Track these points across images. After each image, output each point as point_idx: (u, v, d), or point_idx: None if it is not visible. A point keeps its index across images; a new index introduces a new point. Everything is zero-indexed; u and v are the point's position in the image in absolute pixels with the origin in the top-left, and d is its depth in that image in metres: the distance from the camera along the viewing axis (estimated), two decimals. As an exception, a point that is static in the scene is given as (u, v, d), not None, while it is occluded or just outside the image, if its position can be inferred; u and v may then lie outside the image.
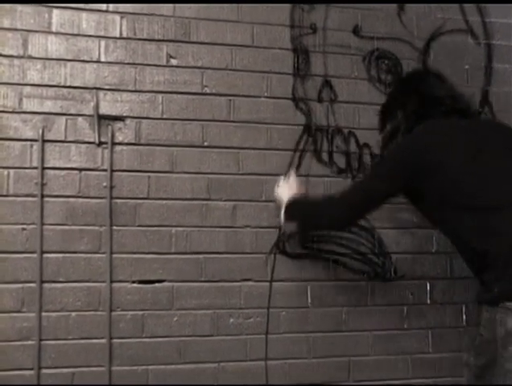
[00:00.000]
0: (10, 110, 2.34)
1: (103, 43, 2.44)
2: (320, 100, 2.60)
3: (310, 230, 2.40)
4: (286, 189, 2.30)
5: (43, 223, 2.33)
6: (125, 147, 2.42)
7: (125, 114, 2.43)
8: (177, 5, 2.50)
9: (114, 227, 2.38)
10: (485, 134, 1.88)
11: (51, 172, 2.36)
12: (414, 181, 1.83)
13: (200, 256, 2.44)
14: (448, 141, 1.82)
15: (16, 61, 2.36)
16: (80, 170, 2.38)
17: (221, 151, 2.49)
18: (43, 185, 2.33)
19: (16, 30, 2.37)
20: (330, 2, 2.64)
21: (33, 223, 2.32)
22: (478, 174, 1.73)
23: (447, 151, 1.79)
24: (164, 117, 2.46)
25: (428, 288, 2.61)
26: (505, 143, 1.85)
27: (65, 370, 2.31)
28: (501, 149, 1.82)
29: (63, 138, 2.38)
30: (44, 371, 2.29)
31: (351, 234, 2.56)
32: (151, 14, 2.48)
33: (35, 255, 2.31)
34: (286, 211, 2.20)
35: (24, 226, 2.32)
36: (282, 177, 2.40)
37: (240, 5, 2.56)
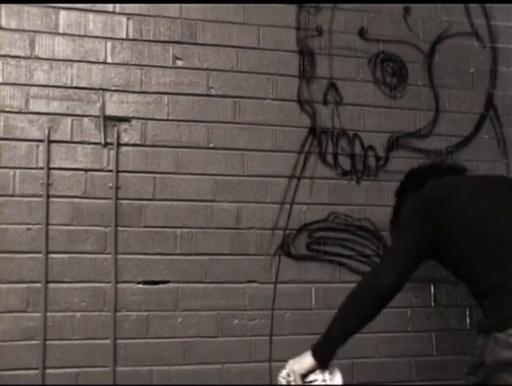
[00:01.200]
0: (17, 110, 2.35)
1: (109, 44, 2.45)
2: (325, 102, 2.61)
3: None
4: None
5: (48, 224, 2.33)
6: (130, 148, 2.43)
7: (131, 115, 2.44)
8: (183, 5, 2.51)
9: (119, 228, 2.39)
10: (483, 183, 2.03)
11: (57, 172, 2.36)
12: (434, 229, 1.89)
13: (205, 257, 2.45)
14: (454, 192, 1.93)
15: (23, 62, 2.37)
16: (86, 170, 2.38)
17: (227, 152, 2.50)
18: (48, 185, 2.34)
19: (23, 31, 2.37)
20: (335, 2, 2.64)
21: (38, 224, 2.32)
22: (485, 217, 1.82)
23: (454, 201, 1.88)
24: (170, 118, 2.47)
25: (432, 290, 2.62)
26: (499, 186, 1.99)
27: (70, 370, 2.31)
28: (498, 191, 1.94)
29: (69, 139, 2.38)
30: (49, 370, 2.29)
31: (356, 236, 2.57)
32: (158, 16, 2.49)
33: (40, 255, 2.31)
34: (320, 353, 1.94)
35: (30, 226, 2.32)
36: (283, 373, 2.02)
37: (246, 5, 2.57)
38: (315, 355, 1.89)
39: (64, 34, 2.41)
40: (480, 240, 1.78)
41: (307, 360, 1.91)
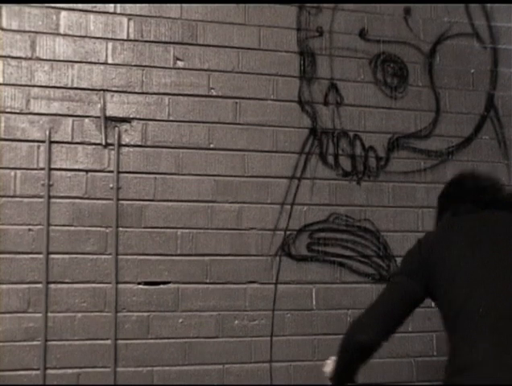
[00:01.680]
0: (18, 111, 2.35)
1: (110, 44, 2.45)
2: (325, 103, 2.61)
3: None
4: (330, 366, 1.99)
5: (49, 224, 2.33)
6: (131, 149, 2.43)
7: (131, 116, 2.44)
8: (184, 6, 2.51)
9: (120, 229, 2.39)
10: (497, 231, 1.75)
11: (58, 173, 2.36)
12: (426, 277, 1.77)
13: (206, 258, 2.45)
14: (447, 243, 1.75)
15: (24, 63, 2.37)
16: (87, 171, 2.39)
17: (227, 153, 2.50)
18: (49, 186, 2.34)
19: (24, 31, 2.38)
20: (336, 2, 2.64)
21: (39, 224, 2.33)
22: (464, 284, 1.65)
23: (443, 253, 1.73)
24: (171, 118, 2.47)
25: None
26: (500, 236, 1.74)
27: (70, 370, 2.31)
28: (495, 248, 1.70)
29: (70, 140, 2.38)
30: (50, 371, 2.29)
31: (356, 237, 2.57)
32: (158, 17, 2.49)
33: (41, 256, 2.31)
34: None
35: (31, 227, 2.32)
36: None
37: (247, 6, 2.57)
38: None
39: (64, 35, 2.41)
40: (453, 310, 1.65)
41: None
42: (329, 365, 1.97)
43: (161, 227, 2.42)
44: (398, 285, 1.80)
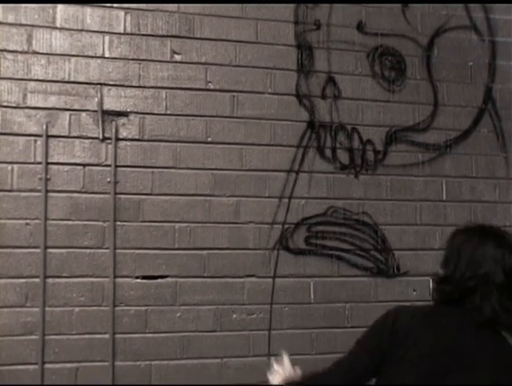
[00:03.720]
0: (15, 105, 2.35)
1: (107, 38, 2.44)
2: (323, 96, 2.60)
3: None
4: (279, 374, 2.15)
5: (46, 219, 2.33)
6: (128, 143, 2.43)
7: (129, 110, 2.43)
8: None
9: (118, 223, 2.39)
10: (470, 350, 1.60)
11: (55, 167, 2.36)
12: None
13: (204, 251, 2.45)
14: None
15: (20, 56, 2.36)
16: (84, 165, 2.38)
17: (225, 147, 2.50)
18: (46, 180, 2.34)
19: (20, 25, 2.37)
20: (334, 2, 2.63)
21: (37, 219, 2.32)
22: None
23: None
24: (168, 112, 2.47)
25: (431, 284, 2.61)
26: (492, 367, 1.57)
27: (68, 365, 2.31)
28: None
29: (67, 134, 2.38)
30: (48, 365, 2.29)
31: (354, 230, 2.57)
32: (155, 10, 2.48)
33: (38, 250, 2.31)
34: None
35: (28, 221, 2.32)
36: (274, 362, 2.09)
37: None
38: None
39: (61, 29, 2.40)
40: None
41: None
42: (276, 375, 2.00)
43: (159, 221, 2.42)
44: (363, 344, 1.71)
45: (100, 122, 2.39)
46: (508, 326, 1.62)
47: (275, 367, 2.15)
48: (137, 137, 2.43)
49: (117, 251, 2.38)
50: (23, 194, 2.33)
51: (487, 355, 1.58)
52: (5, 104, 2.34)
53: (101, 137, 2.39)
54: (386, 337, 1.65)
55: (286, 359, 2.08)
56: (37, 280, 2.31)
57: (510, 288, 1.59)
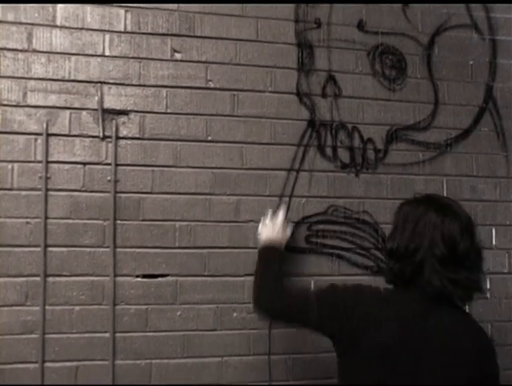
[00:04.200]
0: (15, 104, 2.34)
1: (107, 36, 2.44)
2: (324, 95, 2.60)
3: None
4: (268, 229, 2.32)
5: (47, 217, 2.33)
6: (129, 141, 2.42)
7: (129, 108, 2.43)
8: (181, -2, 2.50)
9: (118, 222, 2.39)
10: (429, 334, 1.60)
11: (56, 166, 2.36)
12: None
13: (204, 250, 2.44)
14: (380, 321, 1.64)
15: (20, 55, 2.36)
16: (85, 164, 2.38)
17: (225, 146, 2.49)
18: (47, 179, 2.34)
19: (20, 23, 2.37)
20: (334, 2, 2.63)
21: (37, 217, 2.32)
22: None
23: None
24: (168, 111, 2.46)
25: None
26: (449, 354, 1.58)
27: (69, 363, 2.31)
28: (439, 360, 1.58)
29: (67, 132, 2.38)
30: (48, 364, 2.29)
31: (355, 229, 2.56)
32: (156, 8, 2.47)
33: (38, 249, 2.31)
34: (258, 253, 2.24)
35: (28, 220, 2.32)
36: (269, 213, 2.43)
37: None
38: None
39: (61, 27, 2.40)
40: None
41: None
42: (264, 228, 2.35)
43: (159, 220, 2.42)
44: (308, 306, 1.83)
45: (100, 121, 2.39)
46: (459, 298, 1.63)
47: (267, 221, 2.28)
48: (137, 135, 2.43)
49: (118, 250, 2.38)
50: (23, 192, 2.32)
51: (450, 332, 1.60)
52: (5, 102, 2.34)
53: (101, 135, 2.39)
54: (345, 321, 1.70)
55: (280, 217, 2.36)
56: (37, 278, 2.30)
57: (452, 258, 1.58)
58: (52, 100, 2.37)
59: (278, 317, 2.00)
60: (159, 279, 2.40)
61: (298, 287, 1.96)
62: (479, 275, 1.63)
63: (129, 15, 2.46)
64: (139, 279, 2.39)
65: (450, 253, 1.58)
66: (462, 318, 1.67)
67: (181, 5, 2.49)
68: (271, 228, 2.32)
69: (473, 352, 1.59)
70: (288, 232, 2.40)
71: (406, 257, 1.64)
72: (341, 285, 1.80)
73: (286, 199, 2.52)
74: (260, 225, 2.40)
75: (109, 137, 2.40)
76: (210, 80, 2.51)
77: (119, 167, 2.40)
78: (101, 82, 2.42)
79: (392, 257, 1.71)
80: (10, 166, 2.32)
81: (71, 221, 2.35)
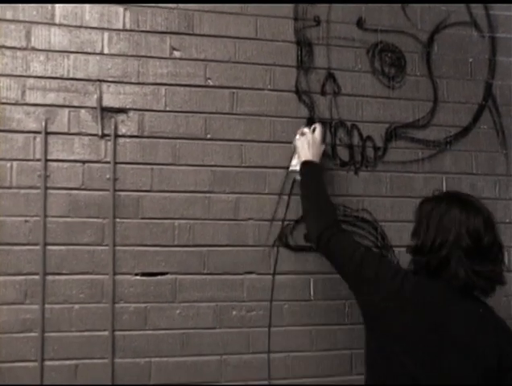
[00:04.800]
0: (13, 102, 2.34)
1: (106, 35, 2.43)
2: (323, 92, 2.60)
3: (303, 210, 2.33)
4: (306, 144, 2.35)
5: (46, 216, 2.33)
6: (128, 139, 2.42)
7: (128, 106, 2.43)
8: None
9: (117, 220, 2.38)
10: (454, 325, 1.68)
11: (54, 164, 2.35)
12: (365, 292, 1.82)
13: (203, 248, 2.44)
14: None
15: (19, 53, 2.36)
16: (83, 162, 2.38)
17: (224, 144, 2.49)
18: (46, 177, 2.33)
19: (19, 21, 2.36)
20: (333, 2, 2.63)
21: (36, 216, 2.32)
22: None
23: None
24: (167, 109, 2.46)
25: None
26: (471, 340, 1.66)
27: (68, 362, 2.31)
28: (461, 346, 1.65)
29: (66, 130, 2.37)
30: (47, 362, 2.29)
31: (354, 227, 2.56)
32: (155, 6, 2.47)
33: (38, 247, 2.31)
34: (301, 173, 2.30)
35: (27, 218, 2.32)
36: (306, 127, 2.46)
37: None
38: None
39: (60, 25, 2.40)
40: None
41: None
42: (302, 138, 2.41)
43: (158, 218, 2.42)
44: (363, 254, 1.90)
45: (99, 119, 2.39)
46: (482, 290, 1.70)
47: (306, 130, 2.42)
48: (136, 133, 2.43)
49: (117, 248, 2.38)
50: (22, 191, 2.32)
51: (472, 322, 1.67)
52: (4, 100, 2.33)
53: (100, 133, 2.39)
54: (375, 291, 1.76)
55: (319, 132, 2.41)
56: (36, 277, 2.30)
57: (477, 250, 1.65)
58: (51, 98, 2.37)
59: (324, 251, 2.08)
60: (159, 277, 2.40)
61: (349, 237, 2.09)
62: (501, 267, 1.70)
63: (128, 13, 2.45)
64: (138, 277, 2.39)
65: (475, 245, 1.65)
66: (484, 310, 1.74)
67: (180, 3, 2.49)
68: (309, 145, 2.34)
69: (494, 345, 1.66)
70: (323, 147, 2.42)
71: (433, 252, 1.70)
72: (387, 261, 2.00)
73: (285, 197, 2.51)
74: (297, 136, 2.43)
75: (108, 135, 2.39)
76: (209, 78, 2.51)
77: (118, 165, 2.40)
78: (99, 80, 2.41)
79: (418, 253, 1.78)
80: (8, 164, 2.32)
81: (70, 219, 2.35)
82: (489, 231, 1.69)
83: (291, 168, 2.47)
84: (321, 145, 2.38)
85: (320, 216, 2.11)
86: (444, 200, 1.79)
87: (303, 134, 2.40)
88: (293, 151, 2.47)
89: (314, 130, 2.40)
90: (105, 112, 2.41)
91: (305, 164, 2.28)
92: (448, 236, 1.68)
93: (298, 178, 2.37)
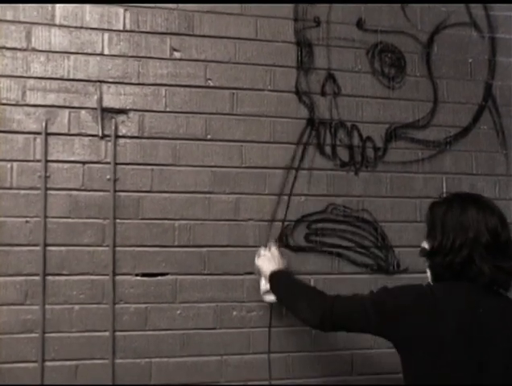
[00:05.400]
0: (14, 103, 2.34)
1: (106, 35, 2.44)
2: (323, 93, 2.60)
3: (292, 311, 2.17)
4: (266, 261, 2.32)
5: (46, 216, 2.33)
6: (128, 140, 2.42)
7: (128, 107, 2.43)
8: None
9: (117, 220, 2.39)
10: (486, 321, 1.67)
11: (55, 165, 2.36)
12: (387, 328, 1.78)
13: (203, 249, 2.44)
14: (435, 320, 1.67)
15: (19, 54, 2.36)
16: (84, 163, 2.38)
17: (224, 144, 2.49)
18: (46, 178, 2.34)
19: (19, 22, 2.36)
20: (331, 3, 2.63)
21: (36, 216, 2.32)
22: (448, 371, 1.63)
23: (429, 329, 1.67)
24: (167, 109, 2.46)
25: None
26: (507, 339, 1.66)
27: (68, 362, 2.31)
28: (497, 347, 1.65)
29: (66, 131, 2.37)
30: (48, 363, 2.29)
31: (354, 228, 2.56)
32: (155, 7, 2.47)
33: (38, 248, 2.31)
34: (271, 285, 2.21)
35: (28, 219, 2.32)
36: (262, 248, 2.42)
37: (244, -3, 2.56)
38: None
39: (60, 26, 2.40)
40: None
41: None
42: (262, 258, 2.36)
43: (158, 219, 2.42)
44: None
45: (99, 120, 2.39)
46: (503, 285, 1.71)
47: (262, 251, 2.37)
48: (136, 134, 2.43)
49: (117, 248, 2.38)
50: (23, 191, 2.32)
51: (504, 317, 1.68)
52: (4, 101, 2.33)
53: (100, 134, 2.39)
54: (403, 324, 1.70)
55: (274, 247, 2.39)
56: (37, 278, 2.30)
57: (496, 247, 1.67)
58: (51, 99, 2.37)
59: (336, 328, 1.96)
60: (159, 278, 2.40)
61: (347, 295, 1.93)
62: None
63: (128, 14, 2.46)
64: (139, 278, 2.39)
65: (494, 242, 1.67)
66: (509, 302, 1.74)
67: (180, 3, 2.49)
68: (269, 259, 2.31)
69: None
70: (285, 258, 2.39)
71: (454, 251, 1.70)
72: (396, 289, 1.81)
73: (285, 197, 2.52)
74: (256, 258, 2.39)
75: (109, 136, 2.40)
76: (209, 79, 2.51)
77: (118, 166, 2.40)
78: (100, 81, 2.42)
79: (436, 255, 1.76)
80: (9, 165, 2.32)
81: (70, 220, 2.35)
82: (505, 228, 1.72)
83: (262, 289, 2.34)
84: (281, 258, 2.34)
85: (309, 302, 1.99)
86: (457, 201, 1.80)
87: (259, 256, 2.39)
88: (259, 275, 2.38)
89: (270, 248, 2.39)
90: (106, 112, 2.41)
91: (271, 276, 2.20)
92: (467, 235, 1.68)
93: (272, 297, 2.27)
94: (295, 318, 2.05)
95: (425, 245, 1.83)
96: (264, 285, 2.29)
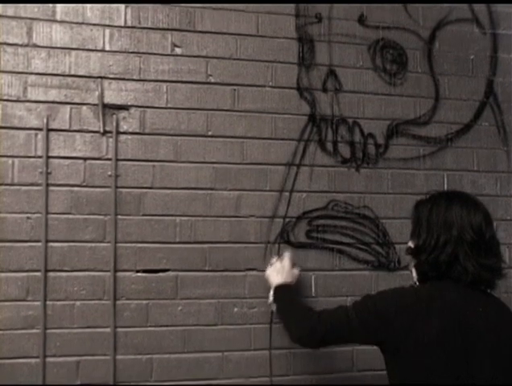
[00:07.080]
0: (15, 99, 2.34)
1: (108, 31, 2.43)
2: (324, 89, 2.60)
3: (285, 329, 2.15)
4: (274, 272, 2.32)
5: (47, 213, 2.33)
6: (129, 136, 2.42)
7: (129, 103, 2.43)
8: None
9: (119, 217, 2.39)
10: (475, 323, 1.66)
11: (56, 161, 2.35)
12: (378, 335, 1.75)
13: (205, 245, 2.44)
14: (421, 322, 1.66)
15: (20, 50, 2.36)
16: (85, 159, 2.38)
17: (226, 140, 2.49)
18: (47, 174, 2.33)
19: (20, 18, 2.36)
20: (334, 2, 2.62)
21: (38, 212, 2.32)
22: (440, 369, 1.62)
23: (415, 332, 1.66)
24: (169, 106, 2.46)
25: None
26: (498, 343, 1.66)
27: (70, 358, 2.32)
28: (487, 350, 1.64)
29: (67, 127, 2.37)
30: (49, 359, 2.30)
31: (355, 224, 2.56)
32: (156, 3, 2.47)
33: (39, 244, 2.31)
34: (273, 298, 2.24)
35: (29, 215, 2.32)
36: (275, 257, 2.43)
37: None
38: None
39: (61, 22, 2.39)
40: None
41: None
42: (274, 270, 2.35)
43: (160, 215, 2.42)
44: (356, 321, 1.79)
45: (100, 116, 2.39)
46: (488, 283, 1.72)
47: (274, 260, 2.39)
48: (137, 130, 2.43)
49: (118, 245, 2.38)
50: (24, 188, 2.32)
51: (492, 314, 1.69)
52: (5, 97, 2.33)
53: (101, 130, 2.39)
54: (391, 329, 1.70)
55: (287, 259, 2.37)
56: (38, 274, 2.31)
57: (482, 244, 1.68)
58: (53, 95, 2.37)
59: (323, 343, 1.96)
60: (160, 274, 2.40)
61: (332, 309, 1.93)
62: (501, 261, 1.73)
63: (129, 10, 2.45)
64: (140, 274, 2.39)
65: (479, 238, 1.68)
66: (495, 301, 1.75)
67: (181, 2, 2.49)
68: (278, 271, 2.32)
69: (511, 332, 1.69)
70: (296, 271, 2.38)
71: (438, 249, 1.70)
72: (377, 295, 1.81)
73: (287, 194, 2.51)
74: (268, 267, 2.39)
75: (110, 132, 2.39)
76: (210, 75, 2.51)
77: (120, 162, 2.40)
78: (101, 77, 2.41)
79: (421, 253, 1.76)
80: (10, 161, 2.32)
81: (71, 216, 2.35)
82: (490, 225, 1.72)
83: (270, 299, 2.30)
84: (291, 270, 2.34)
85: (297, 319, 2.00)
86: (442, 199, 1.80)
87: (271, 265, 2.39)
88: (269, 284, 2.35)
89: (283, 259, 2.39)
90: (107, 108, 2.41)
91: (276, 289, 2.24)
92: (451, 231, 1.69)
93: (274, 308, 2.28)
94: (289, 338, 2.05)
95: (410, 244, 1.84)
96: (272, 295, 2.29)
